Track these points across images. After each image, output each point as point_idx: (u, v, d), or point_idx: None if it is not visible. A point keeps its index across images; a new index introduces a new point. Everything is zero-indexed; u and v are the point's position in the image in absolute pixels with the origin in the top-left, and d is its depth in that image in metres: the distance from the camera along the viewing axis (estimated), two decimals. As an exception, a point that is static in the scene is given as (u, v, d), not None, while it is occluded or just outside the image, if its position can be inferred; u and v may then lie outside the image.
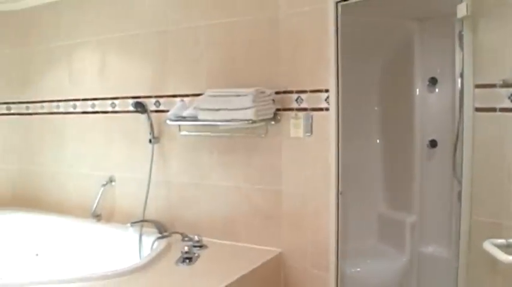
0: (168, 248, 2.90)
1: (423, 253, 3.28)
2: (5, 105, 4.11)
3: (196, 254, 2.77)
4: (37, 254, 3.72)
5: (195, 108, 2.81)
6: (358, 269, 3.15)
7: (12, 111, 4.12)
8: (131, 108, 3.26)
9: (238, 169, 2.94)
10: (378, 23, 3.24)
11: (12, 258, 3.69)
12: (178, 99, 3.11)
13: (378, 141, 3.57)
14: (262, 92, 2.65)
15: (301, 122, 2.69)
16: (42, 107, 3.96)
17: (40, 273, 3.10)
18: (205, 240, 2.97)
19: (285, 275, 2.82)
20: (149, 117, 3.18)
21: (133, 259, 2.95)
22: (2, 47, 4.05)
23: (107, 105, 3.52)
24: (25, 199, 4.09)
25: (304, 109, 2.68)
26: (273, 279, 2.80)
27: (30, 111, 4.06)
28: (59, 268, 3.47)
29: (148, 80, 3.28)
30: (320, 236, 2.63)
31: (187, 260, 2.70)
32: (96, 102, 3.58)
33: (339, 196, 2.58)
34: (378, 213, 3.53)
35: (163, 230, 3.16)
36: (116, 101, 3.46)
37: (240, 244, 2.95)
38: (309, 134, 2.67)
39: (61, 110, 3.83)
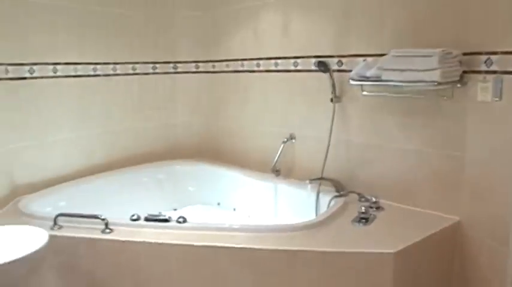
0: (344, 207, 2.93)
1: None
2: (193, 64, 4.37)
3: (372, 215, 2.78)
4: (219, 203, 3.98)
5: (378, 68, 2.75)
6: (542, 246, 2.97)
7: (200, 70, 4.38)
8: (313, 67, 3.30)
9: (419, 132, 2.86)
10: None
11: (197, 205, 3.99)
12: (360, 59, 3.08)
13: None
14: (449, 53, 2.52)
15: (490, 85, 2.51)
16: (228, 66, 4.15)
17: (220, 220, 3.31)
18: (382, 202, 2.96)
19: (461, 244, 2.71)
20: (331, 77, 3.19)
21: (309, 215, 3.04)
22: (192, 10, 4.28)
23: (289, 65, 3.59)
24: (210, 151, 4.36)
25: (494, 72, 2.49)
26: (448, 247, 2.72)
27: (216, 69, 4.28)
28: (237, 218, 3.69)
29: (330, 39, 3.28)
30: (503, 208, 2.46)
31: (364, 221, 2.71)
32: (279, 61, 3.67)
33: (528, 166, 2.42)
34: None
35: (340, 189, 3.20)
36: (299, 61, 3.51)
37: (416, 208, 2.90)
38: (498, 99, 2.48)
39: (245, 68, 3.98)
